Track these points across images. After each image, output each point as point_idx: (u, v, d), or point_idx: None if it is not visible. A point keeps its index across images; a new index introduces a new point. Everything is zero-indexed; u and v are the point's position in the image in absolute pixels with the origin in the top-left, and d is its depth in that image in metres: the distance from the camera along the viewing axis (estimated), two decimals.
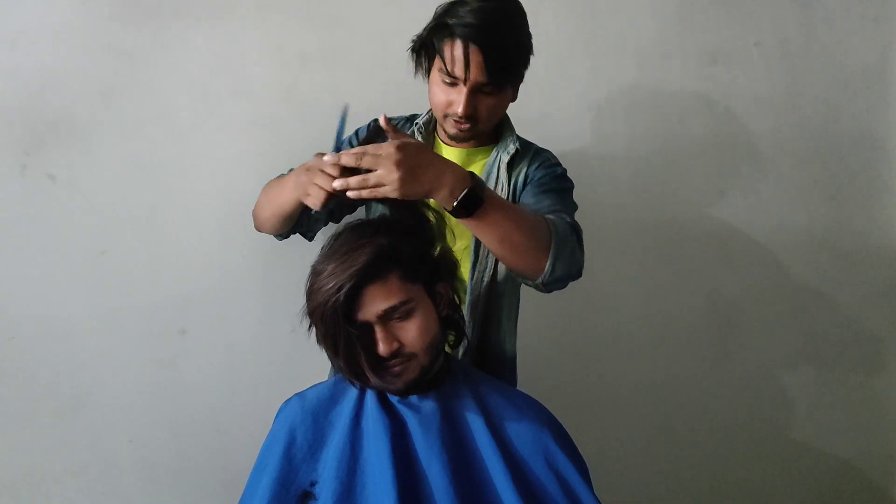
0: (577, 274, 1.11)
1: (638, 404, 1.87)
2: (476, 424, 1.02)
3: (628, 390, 1.86)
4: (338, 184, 0.92)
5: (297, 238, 1.59)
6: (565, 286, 1.12)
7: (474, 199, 0.95)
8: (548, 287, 1.09)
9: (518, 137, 1.29)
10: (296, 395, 1.11)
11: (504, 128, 1.29)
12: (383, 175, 0.90)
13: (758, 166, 1.86)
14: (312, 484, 1.01)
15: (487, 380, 1.11)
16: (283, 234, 1.31)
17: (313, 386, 1.12)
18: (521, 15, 1.16)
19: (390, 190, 0.90)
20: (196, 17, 1.55)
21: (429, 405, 1.01)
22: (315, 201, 0.97)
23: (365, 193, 0.91)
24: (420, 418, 1.00)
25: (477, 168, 1.27)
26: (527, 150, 1.29)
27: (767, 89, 1.83)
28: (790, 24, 1.83)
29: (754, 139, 1.85)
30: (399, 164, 0.90)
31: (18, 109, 1.49)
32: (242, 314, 1.62)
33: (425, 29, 1.18)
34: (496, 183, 1.24)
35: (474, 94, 1.14)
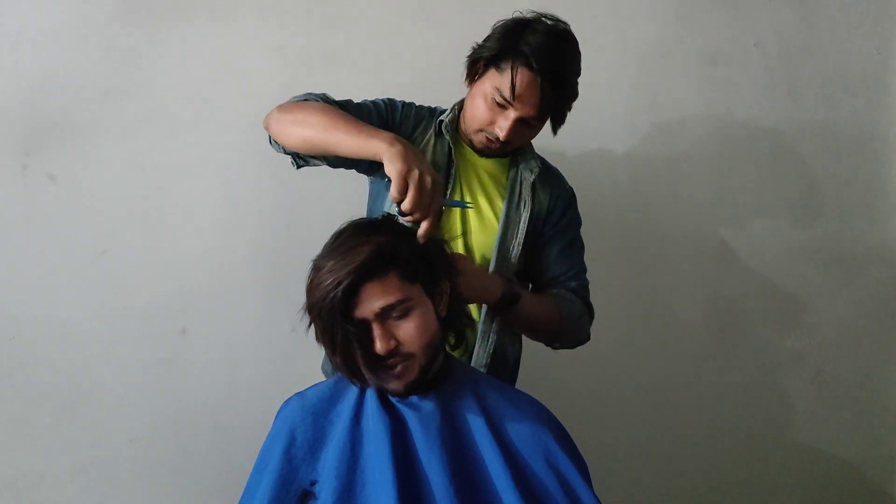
0: (583, 341, 1.34)
1: (638, 405, 1.87)
2: (476, 424, 1.02)
3: (629, 391, 1.86)
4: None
5: (296, 238, 1.60)
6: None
7: (511, 305, 1.18)
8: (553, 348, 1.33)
9: (537, 155, 1.30)
10: (296, 394, 1.11)
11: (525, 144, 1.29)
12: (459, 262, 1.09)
13: (758, 167, 1.86)
14: (312, 483, 1.01)
15: (487, 379, 1.11)
16: (289, 153, 1.21)
17: (313, 385, 1.12)
18: (580, 59, 1.18)
19: (461, 268, 1.08)
20: (196, 17, 1.56)
21: (429, 405, 1.01)
22: (396, 193, 1.01)
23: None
24: (420, 417, 1.00)
25: (501, 179, 1.27)
26: (546, 171, 1.31)
27: (767, 89, 1.83)
28: (790, 25, 1.83)
29: (754, 139, 1.85)
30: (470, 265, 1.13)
31: (18, 109, 1.49)
32: (242, 314, 1.62)
33: (492, 43, 1.17)
34: (519, 199, 1.25)
35: (519, 123, 1.15)
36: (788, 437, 1.96)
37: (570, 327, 1.27)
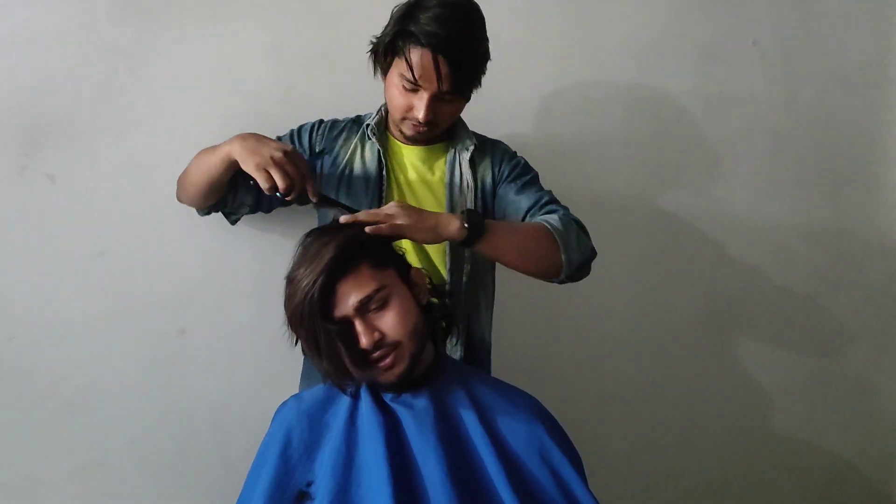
0: (592, 255, 1.21)
1: (635, 403, 1.87)
2: (470, 420, 1.02)
3: (626, 389, 1.86)
4: (344, 218, 1.02)
5: (295, 238, 1.59)
6: (588, 272, 1.22)
7: (479, 222, 1.07)
8: (572, 279, 1.19)
9: (472, 133, 1.31)
10: (292, 396, 1.11)
11: (457, 125, 1.30)
12: (394, 213, 1.02)
13: (755, 165, 1.86)
14: (308, 484, 1.01)
15: (479, 375, 1.12)
16: (204, 209, 1.33)
17: (310, 388, 1.13)
18: (481, 23, 1.16)
19: (402, 222, 1.01)
20: (195, 17, 1.56)
21: (422, 402, 1.02)
22: (265, 183, 1.08)
23: (384, 228, 1.00)
24: (414, 415, 1.01)
25: (438, 166, 1.28)
26: (484, 146, 1.31)
27: (765, 87, 1.83)
28: (788, 22, 1.83)
29: (752, 138, 1.85)
30: (405, 208, 1.04)
31: (17, 110, 1.49)
32: (242, 314, 1.62)
33: (386, 32, 1.19)
34: (461, 180, 1.25)
35: (435, 101, 1.15)
36: (787, 437, 1.96)
37: (568, 241, 1.14)
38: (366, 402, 1.03)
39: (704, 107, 1.81)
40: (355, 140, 1.30)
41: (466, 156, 1.26)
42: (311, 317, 0.93)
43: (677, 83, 1.79)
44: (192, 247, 1.59)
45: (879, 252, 1.94)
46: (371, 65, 1.23)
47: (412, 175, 1.28)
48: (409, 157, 1.28)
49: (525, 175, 1.29)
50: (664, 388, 1.88)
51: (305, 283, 0.93)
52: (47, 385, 1.55)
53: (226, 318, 1.61)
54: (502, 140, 1.38)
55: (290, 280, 0.97)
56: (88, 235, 1.54)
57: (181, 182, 1.32)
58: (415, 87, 1.14)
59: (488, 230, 1.07)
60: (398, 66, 1.15)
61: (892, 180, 1.92)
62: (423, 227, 1.04)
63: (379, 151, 1.27)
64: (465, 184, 1.25)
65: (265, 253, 1.61)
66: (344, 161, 1.30)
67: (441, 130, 1.24)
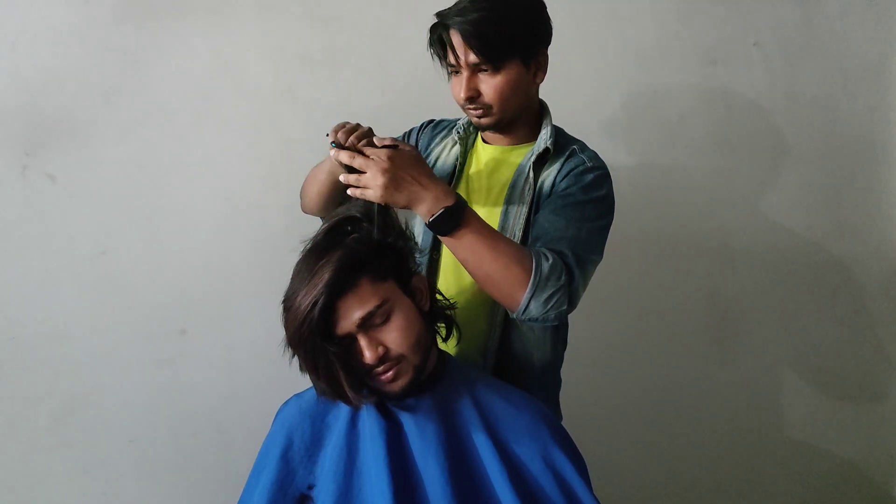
0: (554, 319, 1.05)
1: (638, 404, 1.87)
2: (473, 424, 1.02)
3: (628, 390, 1.86)
4: (342, 177, 1.01)
5: (296, 238, 1.59)
6: (555, 324, 1.09)
7: (447, 219, 1.00)
8: (526, 323, 1.14)
9: (557, 135, 1.22)
10: (294, 395, 1.11)
11: (542, 125, 1.24)
12: (369, 179, 0.98)
13: (757, 167, 1.86)
14: (310, 487, 1.01)
15: (483, 378, 1.11)
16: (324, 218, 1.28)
17: (311, 387, 1.12)
18: None
19: (372, 194, 0.98)
20: (196, 17, 1.56)
21: (425, 406, 1.01)
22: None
23: (351, 192, 1.00)
24: (416, 419, 1.00)
25: (510, 166, 1.23)
26: (561, 150, 1.20)
27: (766, 89, 1.83)
28: (789, 24, 1.83)
29: (753, 139, 1.85)
30: (385, 172, 0.97)
31: (18, 110, 1.49)
32: (242, 314, 1.62)
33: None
34: (524, 183, 1.19)
35: (473, 75, 1.13)
36: (788, 437, 1.96)
37: (541, 286, 1.01)
38: (367, 404, 1.03)
39: (706, 108, 1.81)
40: (448, 138, 1.30)
41: (533, 157, 1.19)
42: (311, 338, 0.92)
43: (679, 85, 1.79)
44: (193, 247, 1.59)
45: (880, 253, 1.94)
46: (444, 72, 1.20)
47: (484, 173, 1.25)
48: (487, 157, 1.25)
49: (578, 197, 1.13)
50: (666, 389, 1.88)
51: (305, 304, 0.91)
52: (48, 385, 1.55)
53: (226, 318, 1.61)
54: None
55: (288, 302, 0.95)
56: (89, 235, 1.54)
57: (302, 194, 1.34)
58: (455, 69, 1.14)
59: (457, 237, 1.01)
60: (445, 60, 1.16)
61: (892, 181, 1.93)
62: (399, 199, 0.98)
63: (459, 149, 1.27)
64: (527, 186, 1.18)
65: (266, 253, 1.61)
66: (433, 157, 1.30)
67: (503, 114, 1.16)
